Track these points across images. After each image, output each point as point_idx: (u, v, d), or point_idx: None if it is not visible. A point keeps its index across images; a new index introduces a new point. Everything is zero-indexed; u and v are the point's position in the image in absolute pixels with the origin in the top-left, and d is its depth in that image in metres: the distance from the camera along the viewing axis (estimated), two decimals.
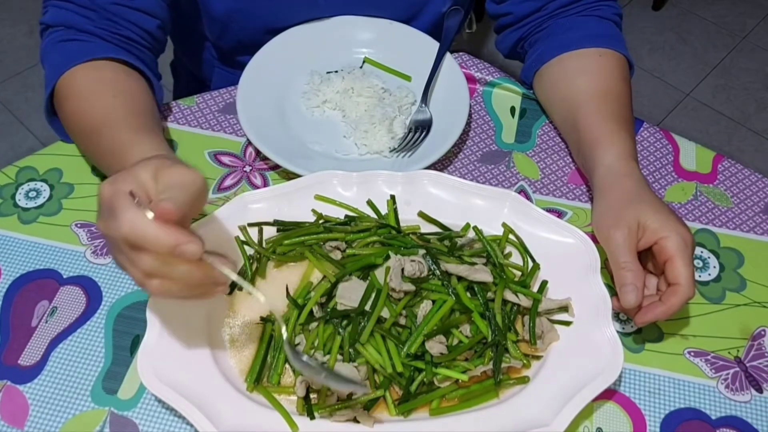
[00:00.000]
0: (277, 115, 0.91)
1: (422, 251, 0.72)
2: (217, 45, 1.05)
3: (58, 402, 0.68)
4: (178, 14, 1.08)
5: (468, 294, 0.70)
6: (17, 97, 2.16)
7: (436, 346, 0.67)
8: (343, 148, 0.88)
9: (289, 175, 0.85)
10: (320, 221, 0.78)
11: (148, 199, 0.56)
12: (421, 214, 0.79)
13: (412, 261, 0.70)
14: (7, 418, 0.67)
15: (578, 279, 0.73)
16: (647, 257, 0.75)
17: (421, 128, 0.89)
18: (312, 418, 0.65)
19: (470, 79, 0.96)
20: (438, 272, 0.71)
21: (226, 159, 0.88)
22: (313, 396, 0.67)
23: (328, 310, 0.69)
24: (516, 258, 0.77)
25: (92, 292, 0.75)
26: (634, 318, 0.71)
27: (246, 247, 0.75)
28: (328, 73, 0.95)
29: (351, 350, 0.67)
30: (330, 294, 0.71)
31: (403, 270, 0.70)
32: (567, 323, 0.72)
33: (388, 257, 0.71)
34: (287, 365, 0.69)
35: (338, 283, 0.71)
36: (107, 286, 0.76)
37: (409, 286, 0.69)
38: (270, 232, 0.77)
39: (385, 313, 0.69)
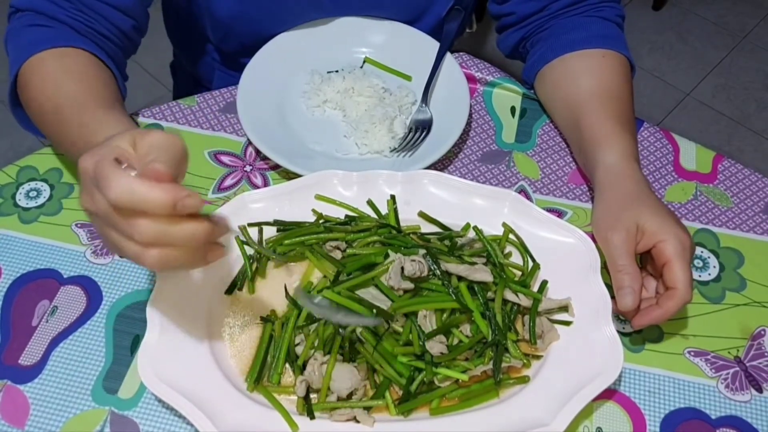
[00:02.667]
0: (278, 115, 0.91)
1: (422, 251, 0.72)
2: (220, 48, 1.05)
3: (59, 401, 0.68)
4: (179, 16, 1.08)
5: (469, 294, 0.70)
6: None
7: (436, 346, 0.67)
8: (344, 148, 0.88)
9: (290, 175, 0.85)
10: (320, 221, 0.78)
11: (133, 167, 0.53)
12: (421, 214, 0.79)
13: (413, 261, 0.70)
14: (7, 417, 0.67)
15: (578, 279, 0.73)
16: (647, 259, 0.75)
17: (422, 128, 0.89)
18: (312, 418, 0.65)
19: (470, 78, 0.96)
20: (438, 272, 0.71)
21: (226, 159, 0.88)
22: (313, 396, 0.67)
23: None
24: (516, 258, 0.77)
25: (92, 291, 0.75)
26: (632, 321, 0.72)
27: (246, 247, 0.75)
28: (328, 72, 0.95)
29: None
30: None
31: (403, 269, 0.70)
32: (567, 323, 0.72)
33: (387, 255, 0.71)
34: (287, 365, 0.69)
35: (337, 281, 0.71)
36: (107, 286, 0.76)
37: (408, 284, 0.69)
38: (270, 232, 0.77)
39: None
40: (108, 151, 0.53)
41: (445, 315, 0.69)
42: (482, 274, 0.70)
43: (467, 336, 0.69)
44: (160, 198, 0.50)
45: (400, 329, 0.68)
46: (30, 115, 0.80)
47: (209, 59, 1.09)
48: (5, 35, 0.82)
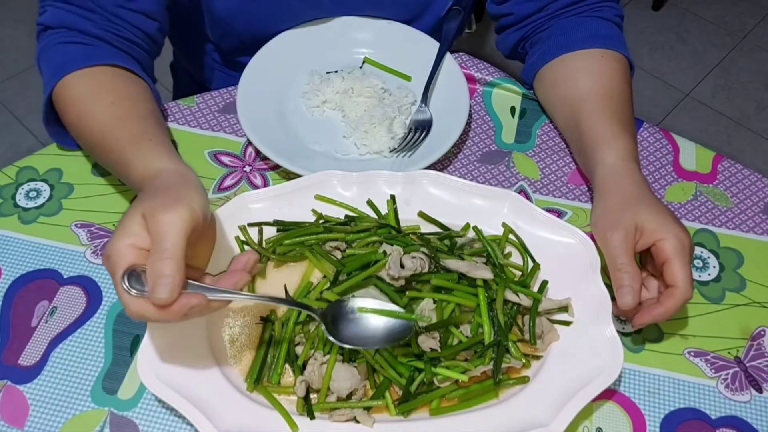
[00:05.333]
0: (277, 115, 0.91)
1: (422, 249, 0.72)
2: (219, 46, 1.05)
3: (58, 402, 0.68)
4: (179, 15, 1.08)
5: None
6: (17, 97, 2.16)
7: (427, 341, 0.67)
8: (343, 148, 0.88)
9: (289, 175, 0.85)
10: (320, 221, 0.78)
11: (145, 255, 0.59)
12: (421, 214, 0.79)
13: (413, 258, 0.70)
14: (7, 418, 0.67)
15: (578, 279, 0.73)
16: (647, 259, 0.75)
17: (421, 128, 0.89)
18: (312, 418, 0.65)
19: (470, 79, 0.96)
20: (439, 265, 0.70)
21: (226, 159, 0.88)
22: (313, 396, 0.67)
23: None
24: (516, 258, 0.77)
25: (92, 292, 0.75)
26: (632, 320, 0.72)
27: (246, 247, 0.75)
28: (328, 73, 0.95)
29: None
30: None
31: (402, 262, 0.70)
32: (567, 323, 0.72)
33: (385, 253, 0.71)
34: (287, 365, 0.69)
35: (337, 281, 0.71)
36: (107, 286, 0.76)
37: (408, 272, 0.69)
38: (270, 232, 0.77)
39: None
40: (120, 256, 0.59)
41: (446, 312, 0.69)
42: (483, 271, 0.70)
43: (467, 336, 0.69)
44: (169, 319, 0.58)
45: None
46: (75, 140, 0.83)
47: (209, 59, 1.09)
48: (38, 53, 0.82)
